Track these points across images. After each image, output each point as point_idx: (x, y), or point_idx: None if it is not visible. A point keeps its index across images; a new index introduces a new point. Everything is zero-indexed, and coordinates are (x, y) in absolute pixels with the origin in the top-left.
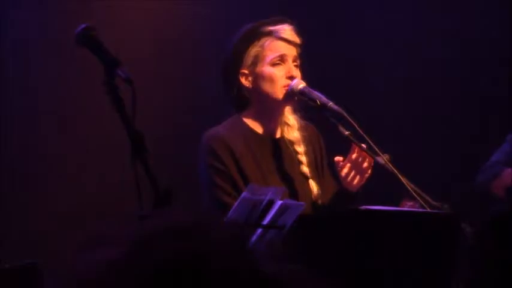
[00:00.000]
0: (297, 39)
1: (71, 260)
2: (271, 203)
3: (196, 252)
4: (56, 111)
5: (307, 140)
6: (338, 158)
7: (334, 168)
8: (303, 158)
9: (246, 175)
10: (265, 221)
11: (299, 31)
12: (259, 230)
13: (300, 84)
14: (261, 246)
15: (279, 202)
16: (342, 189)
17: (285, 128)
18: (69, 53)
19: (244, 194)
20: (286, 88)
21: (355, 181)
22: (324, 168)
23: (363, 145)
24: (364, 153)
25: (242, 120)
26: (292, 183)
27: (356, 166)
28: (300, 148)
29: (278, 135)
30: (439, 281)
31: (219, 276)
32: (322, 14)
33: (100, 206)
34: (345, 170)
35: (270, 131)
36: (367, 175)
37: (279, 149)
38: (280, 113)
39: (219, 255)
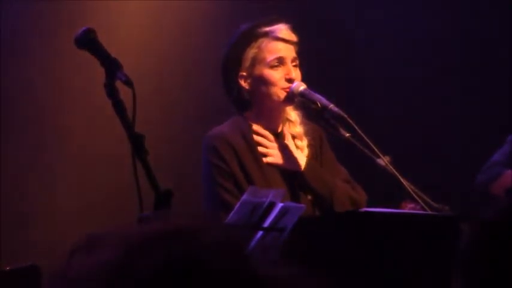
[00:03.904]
0: (293, 38)
1: (68, 261)
2: (271, 206)
3: (194, 255)
4: (57, 113)
5: (308, 134)
6: None
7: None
8: (304, 152)
9: (248, 174)
10: (266, 224)
11: (295, 29)
12: (260, 233)
13: (300, 86)
14: (261, 249)
15: (280, 204)
16: None
17: (287, 124)
18: (70, 55)
19: (244, 196)
20: (286, 90)
21: None
22: (323, 161)
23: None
24: None
25: (245, 121)
26: (293, 181)
27: None
28: (301, 142)
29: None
30: (440, 282)
31: (216, 278)
32: (320, 13)
33: (101, 207)
34: None
35: (272, 131)
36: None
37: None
38: (282, 113)
39: (217, 257)
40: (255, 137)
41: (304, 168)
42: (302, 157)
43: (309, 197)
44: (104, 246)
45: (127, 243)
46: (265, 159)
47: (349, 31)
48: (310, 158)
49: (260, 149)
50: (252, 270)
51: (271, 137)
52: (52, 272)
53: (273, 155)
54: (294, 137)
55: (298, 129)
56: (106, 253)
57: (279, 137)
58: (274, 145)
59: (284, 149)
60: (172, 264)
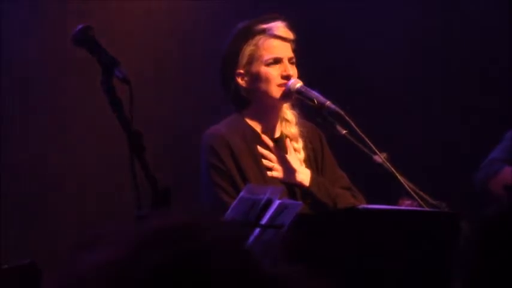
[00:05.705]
0: (290, 35)
1: (70, 259)
2: (269, 203)
3: (195, 253)
4: (55, 112)
5: (304, 136)
6: None
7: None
8: (300, 155)
9: (245, 173)
10: (264, 221)
11: (292, 27)
12: (258, 230)
13: (297, 83)
14: (259, 246)
15: (277, 201)
16: None
17: (283, 123)
18: (68, 53)
19: (242, 193)
20: (282, 87)
21: None
22: (325, 166)
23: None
24: None
25: (242, 119)
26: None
27: None
28: (297, 144)
29: (277, 133)
30: (439, 280)
31: (218, 276)
32: (316, 12)
33: (99, 206)
34: None
35: (269, 130)
36: None
37: (278, 147)
38: (279, 111)
39: (218, 255)
40: (260, 149)
41: (310, 183)
42: (305, 171)
43: (308, 200)
44: (104, 246)
45: (127, 243)
46: (269, 173)
47: (349, 30)
48: (312, 172)
49: (265, 162)
50: (252, 270)
51: (271, 143)
52: (53, 271)
53: (278, 170)
54: (290, 139)
55: (294, 129)
56: (106, 253)
57: (278, 142)
58: (277, 159)
59: (288, 164)
60: (179, 263)
